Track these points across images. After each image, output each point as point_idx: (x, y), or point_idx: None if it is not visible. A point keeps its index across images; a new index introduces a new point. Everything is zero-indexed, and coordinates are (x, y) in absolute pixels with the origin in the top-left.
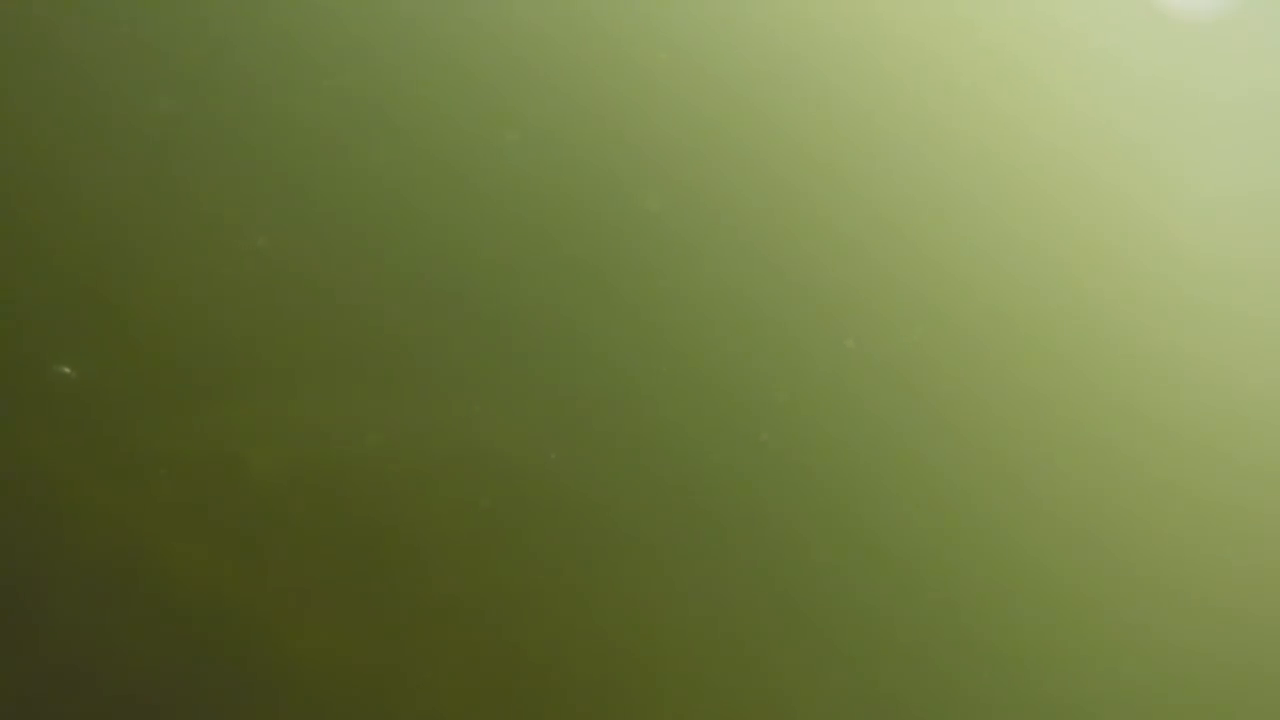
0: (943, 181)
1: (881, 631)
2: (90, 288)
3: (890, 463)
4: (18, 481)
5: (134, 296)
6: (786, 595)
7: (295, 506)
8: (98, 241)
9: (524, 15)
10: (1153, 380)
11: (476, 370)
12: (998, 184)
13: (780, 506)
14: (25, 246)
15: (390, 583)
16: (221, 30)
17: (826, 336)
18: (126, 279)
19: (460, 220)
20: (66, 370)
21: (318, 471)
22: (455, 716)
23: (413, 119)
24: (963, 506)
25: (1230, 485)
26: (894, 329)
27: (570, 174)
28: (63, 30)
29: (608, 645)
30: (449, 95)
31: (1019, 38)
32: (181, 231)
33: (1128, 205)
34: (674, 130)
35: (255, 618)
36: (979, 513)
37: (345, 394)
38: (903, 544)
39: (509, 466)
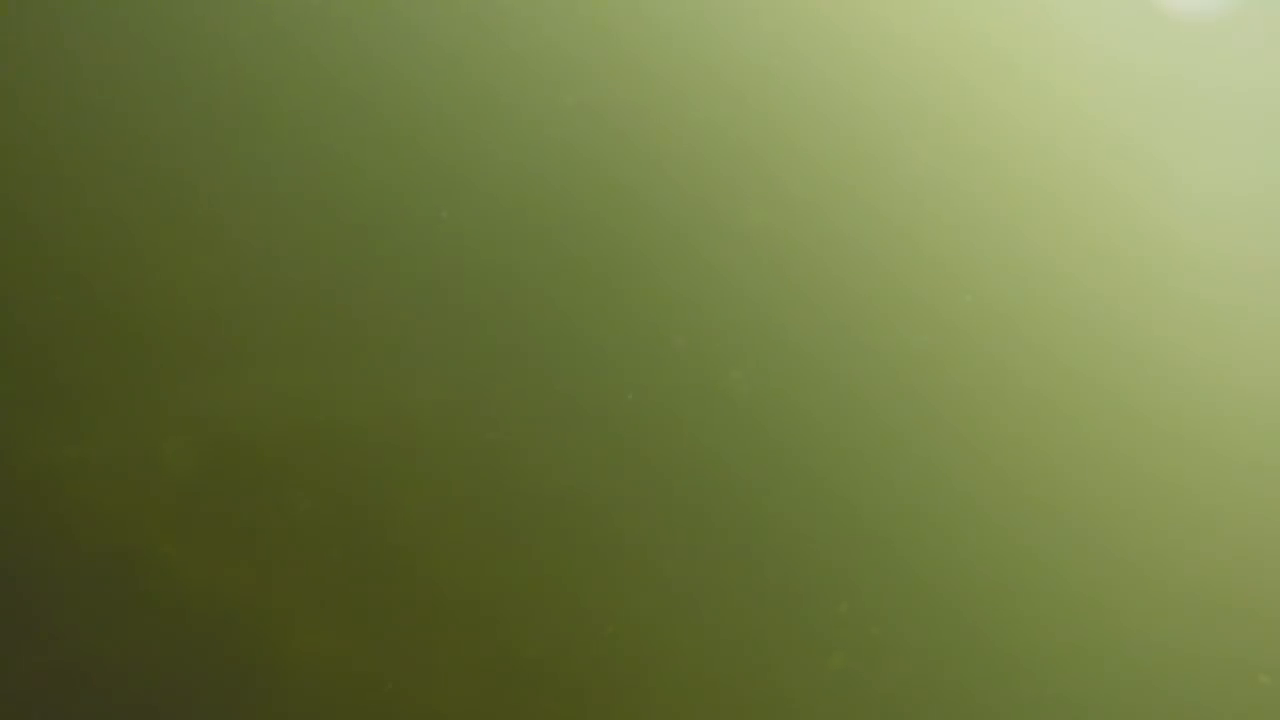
0: (943, 180)
1: (883, 631)
2: (81, 279)
3: (891, 462)
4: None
5: (126, 288)
6: (788, 595)
7: (296, 504)
8: (92, 236)
9: (525, 14)
10: (1153, 378)
11: (481, 371)
12: (998, 183)
13: (783, 507)
14: (25, 245)
15: (390, 580)
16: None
17: (826, 336)
18: (119, 272)
19: (463, 219)
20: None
21: (317, 469)
22: (454, 715)
23: (411, 119)
24: (963, 505)
25: (1230, 485)
26: (894, 328)
27: (571, 172)
28: (63, 30)
29: (607, 644)
30: (448, 94)
31: (1020, 38)
32: (184, 229)
33: (1128, 203)
34: (675, 129)
35: (253, 613)
36: (980, 511)
37: (341, 388)
38: (904, 544)
39: (512, 465)
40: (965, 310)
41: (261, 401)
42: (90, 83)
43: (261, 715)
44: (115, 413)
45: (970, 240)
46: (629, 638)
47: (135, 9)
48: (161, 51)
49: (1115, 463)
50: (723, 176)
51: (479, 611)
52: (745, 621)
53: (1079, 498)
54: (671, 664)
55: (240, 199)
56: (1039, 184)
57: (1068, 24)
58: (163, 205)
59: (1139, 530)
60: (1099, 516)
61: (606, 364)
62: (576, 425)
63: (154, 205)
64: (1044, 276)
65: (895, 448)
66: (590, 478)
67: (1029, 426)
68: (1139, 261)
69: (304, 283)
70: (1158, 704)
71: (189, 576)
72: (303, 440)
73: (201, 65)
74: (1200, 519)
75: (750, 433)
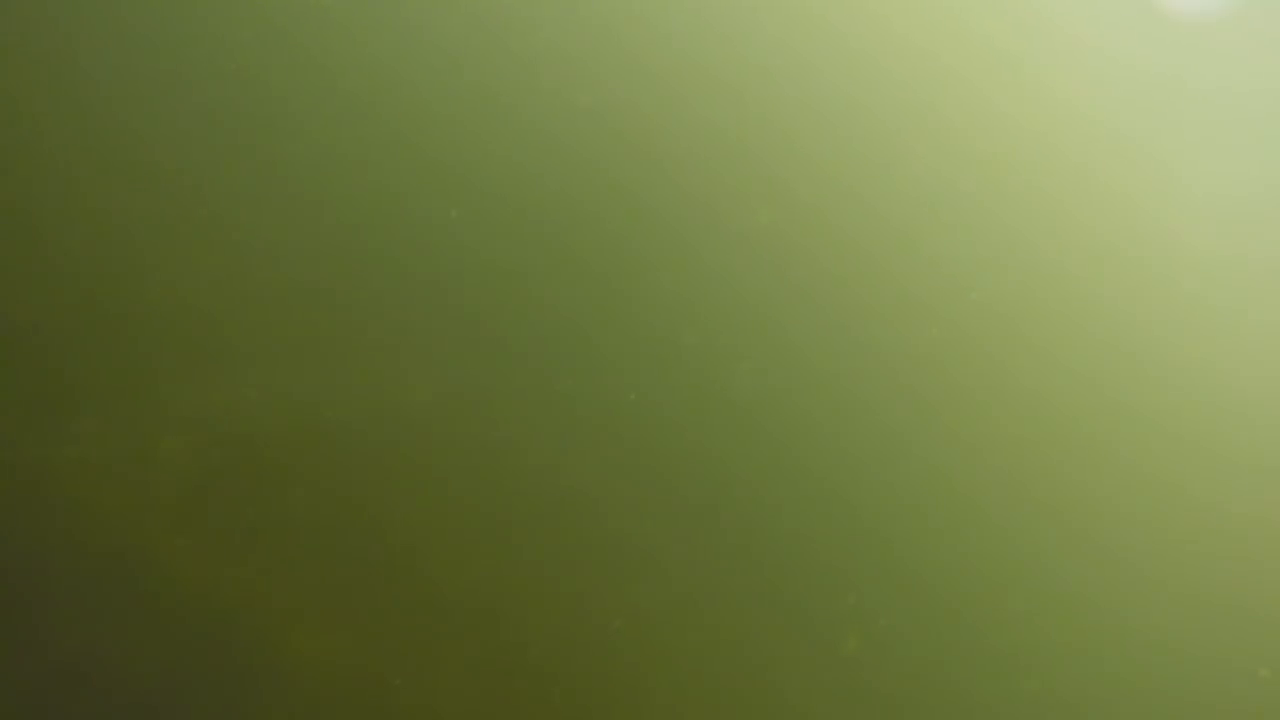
0: (943, 180)
1: (882, 630)
2: (81, 278)
3: (894, 460)
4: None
5: (127, 288)
6: (787, 595)
7: (294, 502)
8: (92, 236)
9: (537, 13)
10: (1153, 378)
11: (485, 371)
12: (998, 182)
13: (783, 507)
14: (25, 244)
15: (392, 580)
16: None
17: (821, 336)
18: (119, 272)
19: (472, 218)
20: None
21: (318, 468)
22: (456, 715)
23: (420, 118)
24: (963, 505)
25: (1230, 485)
26: (894, 328)
27: (581, 172)
28: (63, 27)
29: (615, 639)
30: (457, 93)
31: (1021, 39)
32: (186, 228)
33: (1128, 203)
34: (681, 131)
35: (253, 613)
36: (979, 511)
37: (344, 387)
38: (903, 544)
39: (515, 464)
40: (969, 309)
41: (263, 401)
42: (91, 81)
43: (261, 715)
44: (115, 413)
45: (967, 238)
46: (637, 632)
47: (137, 7)
48: (163, 50)
49: (1114, 461)
50: (728, 177)
51: (481, 611)
52: (755, 614)
53: (1077, 496)
54: (682, 658)
55: (244, 197)
56: (1040, 184)
57: (1068, 24)
58: (164, 204)
59: (1136, 528)
60: (1097, 514)
61: (611, 363)
62: (581, 425)
63: (155, 204)
64: (1045, 276)
65: (898, 445)
66: (595, 476)
67: (1026, 425)
68: (1139, 261)
69: (308, 282)
70: (1155, 702)
71: (189, 576)
72: (304, 440)
73: (205, 64)
74: (1200, 518)
75: (756, 431)
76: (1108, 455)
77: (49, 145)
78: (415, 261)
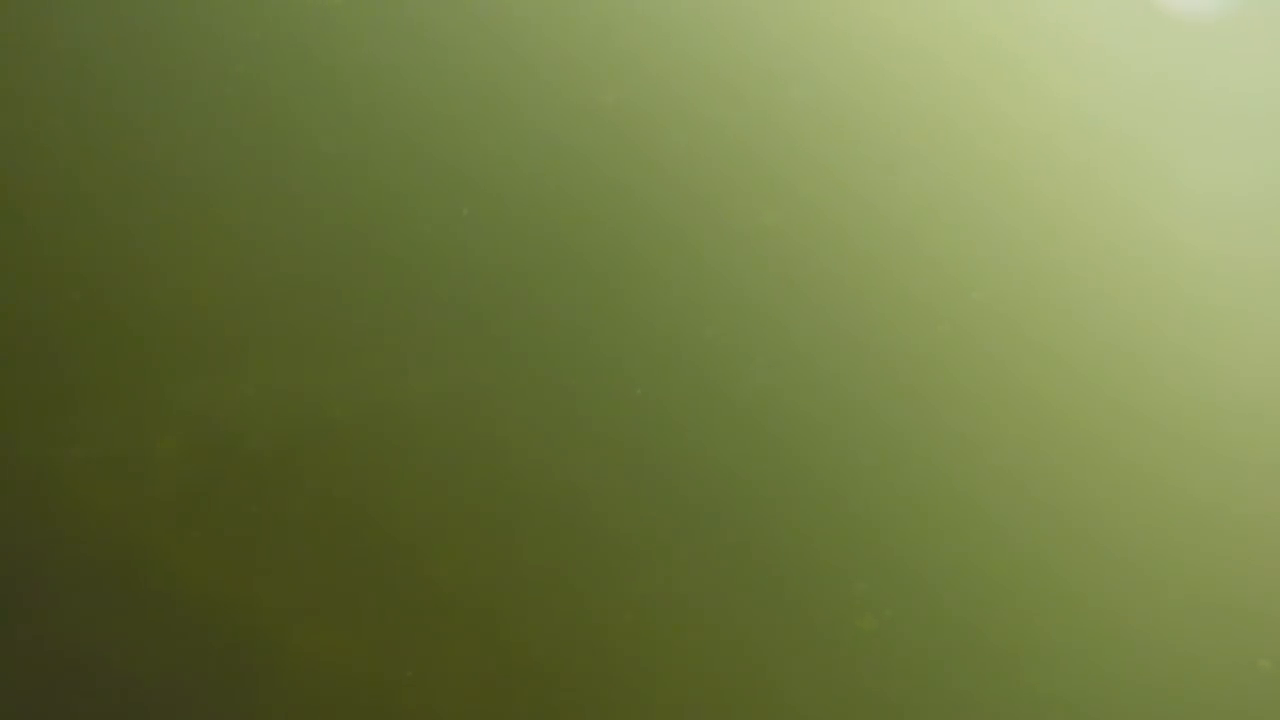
0: (940, 180)
1: (881, 630)
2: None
3: (889, 463)
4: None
5: (128, 287)
6: (787, 594)
7: (295, 501)
8: (93, 235)
9: (527, 16)
10: (1152, 380)
11: (489, 370)
12: (996, 183)
13: (782, 506)
14: (24, 243)
15: (394, 580)
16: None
17: (824, 335)
18: (120, 271)
19: (465, 222)
20: None
21: (319, 468)
22: (457, 715)
23: (417, 122)
24: (963, 506)
25: (1230, 485)
26: (891, 328)
27: (577, 175)
28: (65, 25)
29: (608, 645)
30: (455, 96)
31: (1022, 41)
32: (187, 228)
33: (1128, 203)
34: (682, 133)
35: (253, 613)
36: (979, 512)
37: (348, 387)
38: (903, 544)
39: (516, 465)
40: (971, 308)
41: (264, 400)
42: (92, 81)
43: (261, 715)
44: (115, 413)
45: (965, 239)
46: (644, 629)
47: (139, 7)
48: (164, 49)
49: (1113, 462)
50: (733, 179)
51: (481, 611)
52: (745, 621)
53: (1076, 497)
54: (688, 655)
55: (246, 197)
56: (1041, 184)
57: (1070, 25)
58: (166, 204)
59: (1136, 530)
60: (1096, 516)
61: (614, 365)
62: (584, 425)
63: (157, 204)
64: (1046, 276)
65: (901, 443)
66: (597, 476)
67: (1025, 426)
68: (1140, 261)
69: (308, 281)
70: (1154, 703)
71: (189, 576)
72: (305, 439)
73: (207, 63)
74: (1200, 518)
75: (760, 430)
76: (1108, 455)
77: (49, 145)
78: (417, 260)
